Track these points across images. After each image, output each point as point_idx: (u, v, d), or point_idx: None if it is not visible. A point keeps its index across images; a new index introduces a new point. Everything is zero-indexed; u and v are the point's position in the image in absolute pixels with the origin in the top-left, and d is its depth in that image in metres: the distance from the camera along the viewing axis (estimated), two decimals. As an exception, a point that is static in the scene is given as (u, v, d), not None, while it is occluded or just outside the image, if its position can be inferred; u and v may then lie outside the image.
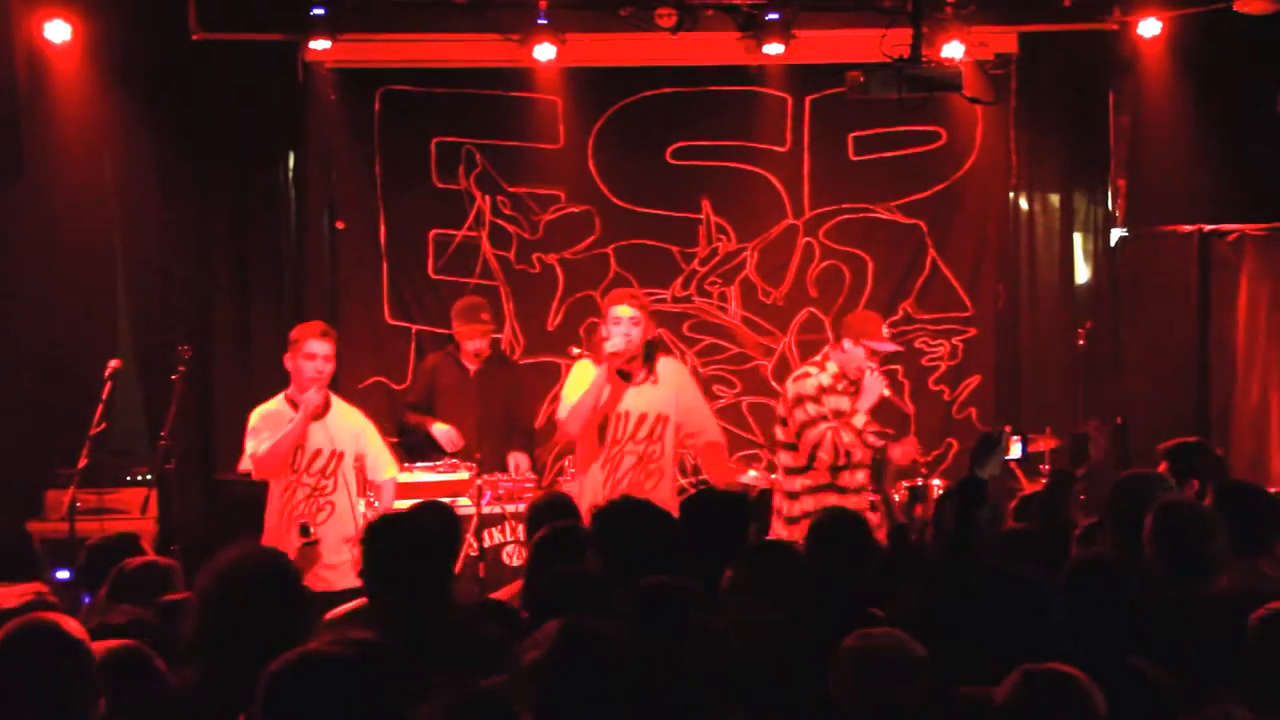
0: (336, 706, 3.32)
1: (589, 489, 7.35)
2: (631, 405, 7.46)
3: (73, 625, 3.55)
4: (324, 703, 3.31)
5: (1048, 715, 3.45)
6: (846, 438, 7.43)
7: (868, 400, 7.53)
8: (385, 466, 7.47)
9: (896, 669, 3.81)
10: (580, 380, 7.45)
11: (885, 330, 7.79)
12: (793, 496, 7.55)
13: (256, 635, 3.75)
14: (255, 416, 7.22)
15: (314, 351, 7.14)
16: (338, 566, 6.91)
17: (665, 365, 7.65)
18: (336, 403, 7.35)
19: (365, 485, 7.49)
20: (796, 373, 7.74)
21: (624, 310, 7.38)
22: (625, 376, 7.47)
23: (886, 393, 7.63)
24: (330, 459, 7.20)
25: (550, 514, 5.65)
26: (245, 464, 7.25)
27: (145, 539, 8.14)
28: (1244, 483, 5.89)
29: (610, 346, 7.30)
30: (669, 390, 7.55)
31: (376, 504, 7.44)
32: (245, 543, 4.26)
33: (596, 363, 7.42)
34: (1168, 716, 3.85)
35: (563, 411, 7.47)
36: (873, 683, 3.80)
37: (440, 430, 8.42)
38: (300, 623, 3.97)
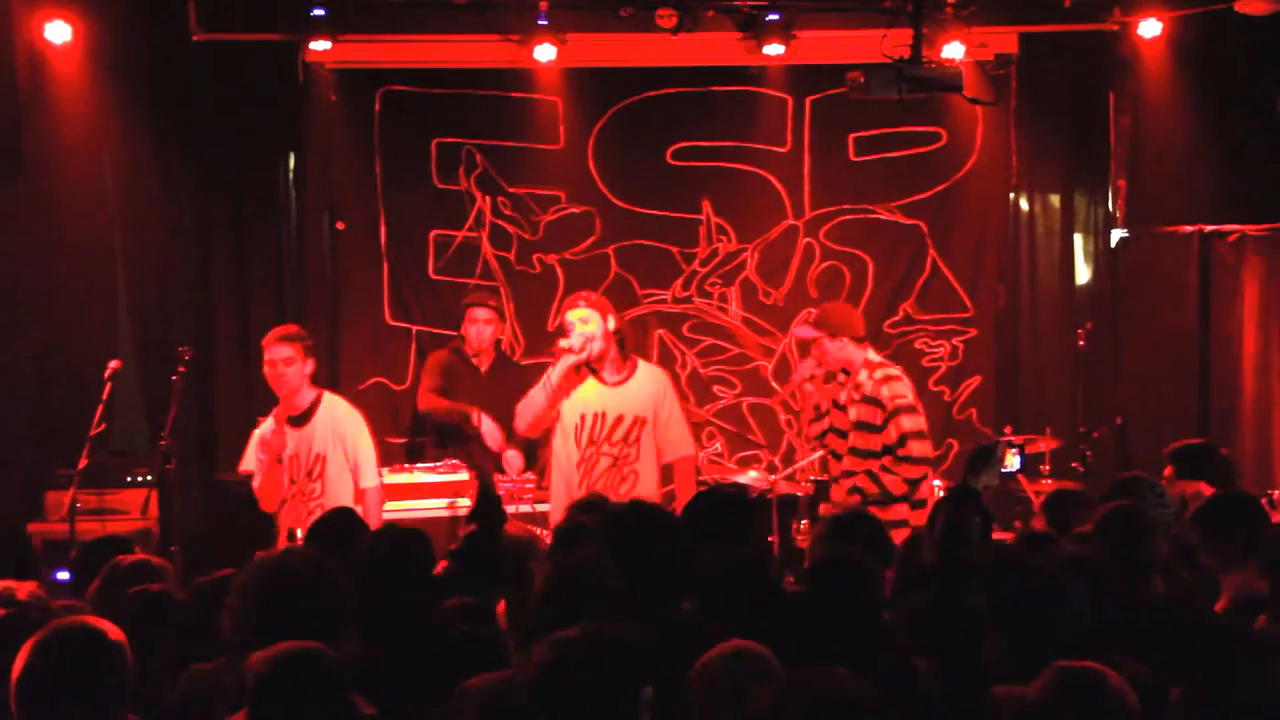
0: (326, 702, 3.36)
1: (561, 490, 7.38)
2: (608, 406, 7.53)
3: (110, 628, 3.54)
4: (314, 698, 3.36)
5: (1082, 712, 3.47)
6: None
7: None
8: (364, 475, 7.32)
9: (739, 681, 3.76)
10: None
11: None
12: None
13: (290, 633, 3.75)
14: (254, 439, 7.25)
15: (271, 357, 7.16)
16: None
17: (646, 370, 7.76)
18: (326, 404, 7.29)
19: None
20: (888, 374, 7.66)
21: (574, 314, 7.57)
22: (592, 369, 7.58)
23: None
24: (315, 462, 7.18)
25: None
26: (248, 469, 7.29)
27: (146, 540, 8.19)
28: (1235, 492, 5.88)
29: (564, 343, 7.46)
30: (647, 395, 7.62)
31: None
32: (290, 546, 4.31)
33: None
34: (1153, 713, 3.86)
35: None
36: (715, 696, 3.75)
37: (489, 427, 8.12)
38: (339, 622, 3.99)
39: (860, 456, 7.52)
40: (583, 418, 7.51)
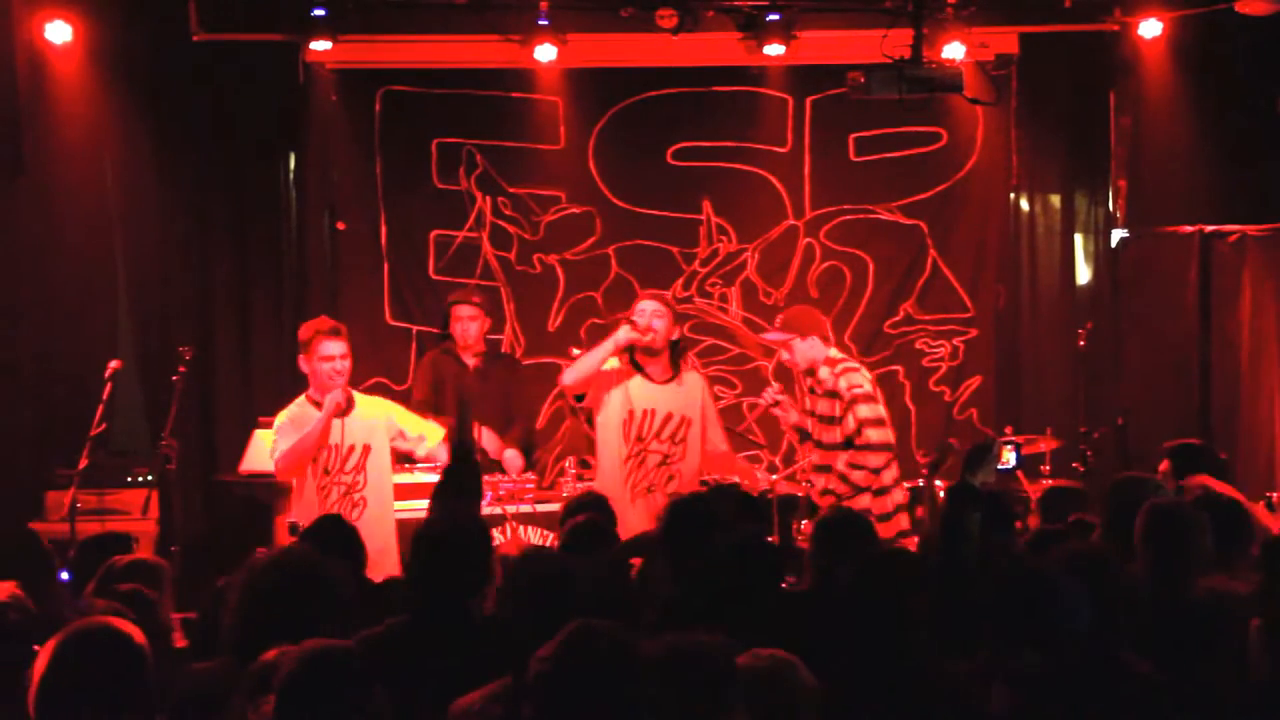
0: (349, 702, 3.36)
1: (609, 484, 7.45)
2: (658, 403, 7.62)
3: (134, 630, 3.51)
4: (341, 697, 3.36)
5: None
6: None
7: None
8: (430, 434, 7.25)
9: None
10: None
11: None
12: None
13: (289, 631, 3.74)
14: (280, 419, 7.05)
15: (330, 353, 6.99)
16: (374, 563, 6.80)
17: (691, 374, 7.86)
18: (359, 398, 7.18)
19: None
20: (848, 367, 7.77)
21: (649, 303, 7.64)
22: (639, 367, 7.61)
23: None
24: (362, 454, 7.04)
25: (585, 509, 5.84)
26: (270, 465, 7.19)
27: (146, 540, 8.21)
28: (1218, 494, 5.87)
29: (639, 319, 7.52)
30: (695, 397, 7.72)
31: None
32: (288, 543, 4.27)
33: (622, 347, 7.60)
34: (1160, 713, 3.85)
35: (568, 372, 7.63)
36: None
37: (488, 436, 8.13)
38: (330, 622, 3.97)
39: (825, 449, 7.63)
40: (631, 413, 7.58)
